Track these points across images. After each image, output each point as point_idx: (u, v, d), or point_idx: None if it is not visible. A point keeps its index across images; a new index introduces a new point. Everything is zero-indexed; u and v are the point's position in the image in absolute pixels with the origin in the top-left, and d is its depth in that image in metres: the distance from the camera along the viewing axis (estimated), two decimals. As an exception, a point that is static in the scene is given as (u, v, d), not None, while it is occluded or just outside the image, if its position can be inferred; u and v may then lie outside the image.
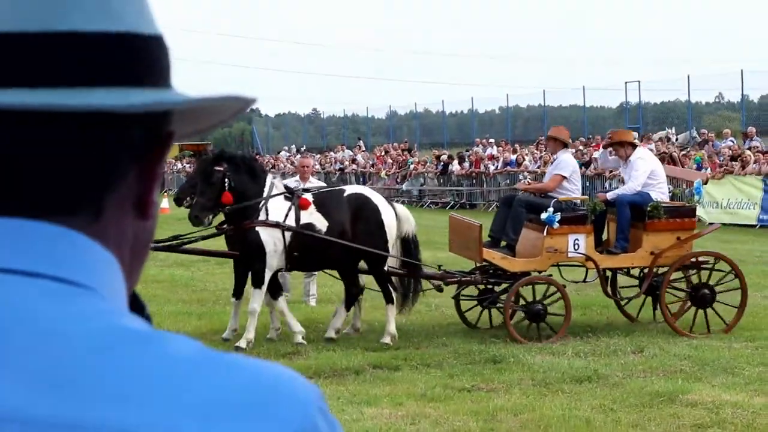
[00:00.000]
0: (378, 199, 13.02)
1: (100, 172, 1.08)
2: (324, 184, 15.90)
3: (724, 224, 29.00)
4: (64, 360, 0.98)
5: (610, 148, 14.43)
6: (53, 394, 0.97)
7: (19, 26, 1.05)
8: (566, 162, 13.89)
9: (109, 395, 0.97)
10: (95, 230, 1.08)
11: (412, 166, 45.30)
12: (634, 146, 13.95)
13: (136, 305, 1.15)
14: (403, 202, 40.14)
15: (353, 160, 50.54)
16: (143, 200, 1.13)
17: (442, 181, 42.79)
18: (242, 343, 11.99)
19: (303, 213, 12.28)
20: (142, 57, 1.10)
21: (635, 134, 38.79)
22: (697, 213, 30.20)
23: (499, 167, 38.95)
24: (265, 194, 12.29)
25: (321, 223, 12.34)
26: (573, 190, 13.67)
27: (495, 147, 41.89)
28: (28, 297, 1.02)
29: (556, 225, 12.71)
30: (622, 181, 14.26)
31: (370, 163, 49.13)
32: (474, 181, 40.85)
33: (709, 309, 13.09)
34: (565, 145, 14.31)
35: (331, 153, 54.23)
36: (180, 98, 1.11)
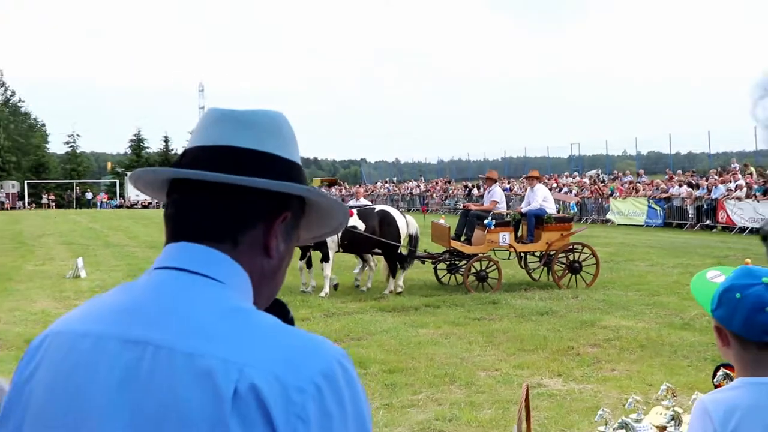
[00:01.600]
0: (395, 213, 12.37)
1: (236, 220, 1.08)
2: (369, 203, 14.96)
3: (625, 225, 28.63)
4: (191, 316, 0.98)
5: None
6: (173, 333, 0.97)
7: (231, 142, 1.10)
8: (497, 192, 13.57)
9: (209, 337, 0.96)
10: (234, 254, 1.07)
11: (450, 191, 44.76)
12: (538, 180, 13.54)
13: (281, 311, 1.11)
14: (445, 212, 40.18)
15: (418, 187, 49.98)
16: (266, 244, 1.10)
17: (467, 199, 42.20)
18: (323, 293, 11.78)
19: (350, 219, 11.84)
20: (287, 168, 1.12)
21: (567, 172, 38.81)
22: (609, 217, 30.13)
23: (499, 191, 38.31)
24: None
25: (360, 225, 12.00)
26: (503, 208, 13.43)
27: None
28: (190, 284, 1.03)
29: (493, 227, 12.44)
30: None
31: (427, 189, 48.72)
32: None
33: (579, 275, 12.68)
34: (495, 182, 13.83)
35: (405, 183, 53.99)
36: (297, 188, 1.11)
